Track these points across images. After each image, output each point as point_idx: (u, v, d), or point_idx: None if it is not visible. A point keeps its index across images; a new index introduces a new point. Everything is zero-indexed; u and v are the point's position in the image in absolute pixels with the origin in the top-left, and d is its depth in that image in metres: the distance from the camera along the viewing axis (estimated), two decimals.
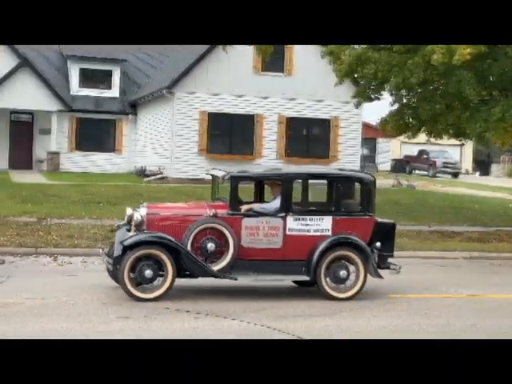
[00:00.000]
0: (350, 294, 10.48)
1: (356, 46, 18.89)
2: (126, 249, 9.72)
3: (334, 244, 10.42)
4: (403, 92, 19.92)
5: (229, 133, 29.91)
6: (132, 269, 9.72)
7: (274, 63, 28.85)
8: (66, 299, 9.85)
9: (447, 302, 10.83)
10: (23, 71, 32.71)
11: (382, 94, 21.18)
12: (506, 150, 43.74)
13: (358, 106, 23.42)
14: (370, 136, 43.96)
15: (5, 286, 10.66)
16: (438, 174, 43.68)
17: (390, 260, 10.95)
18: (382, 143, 49.75)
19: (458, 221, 20.91)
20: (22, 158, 33.84)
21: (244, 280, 10.36)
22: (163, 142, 30.74)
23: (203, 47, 28.33)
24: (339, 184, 10.88)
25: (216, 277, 10.17)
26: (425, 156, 45.53)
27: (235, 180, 10.39)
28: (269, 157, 29.89)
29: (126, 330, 8.26)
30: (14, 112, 33.81)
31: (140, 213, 10.20)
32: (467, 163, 55.78)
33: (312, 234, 10.44)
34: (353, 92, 22.19)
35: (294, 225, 10.40)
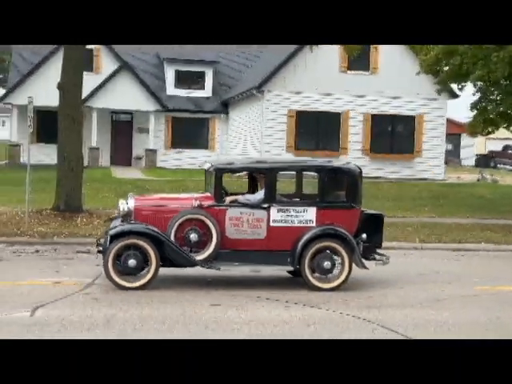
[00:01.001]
0: (334, 284, 10.19)
1: None
2: (113, 239, 9.74)
3: (317, 235, 10.16)
4: (487, 86, 19.45)
5: (315, 130, 29.80)
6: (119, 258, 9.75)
7: (359, 62, 28.61)
8: (158, 288, 9.98)
9: None
10: (123, 74, 33.50)
11: (464, 85, 20.82)
12: None
13: (439, 93, 23.32)
14: (454, 132, 43.00)
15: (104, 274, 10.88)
16: None
17: (380, 251, 10.71)
18: (466, 139, 48.52)
19: None
20: (122, 155, 34.66)
21: (226, 270, 10.19)
22: (253, 139, 30.91)
23: (291, 47, 28.35)
24: (324, 176, 10.51)
25: (198, 266, 10.11)
26: (510, 151, 44.32)
27: (219, 172, 10.30)
28: (354, 153, 29.65)
29: (220, 317, 8.32)
30: (114, 112, 34.67)
31: (127, 204, 10.22)
32: None
33: (296, 225, 10.19)
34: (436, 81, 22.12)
35: (278, 216, 10.18)
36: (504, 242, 15.69)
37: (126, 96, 32.99)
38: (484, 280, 11.29)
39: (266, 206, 10.10)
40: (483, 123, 20.44)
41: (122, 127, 35.20)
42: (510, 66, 16.98)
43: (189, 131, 34.93)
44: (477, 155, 47.68)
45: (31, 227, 14.76)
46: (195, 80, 36.00)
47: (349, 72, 29.48)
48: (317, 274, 10.18)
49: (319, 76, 28.97)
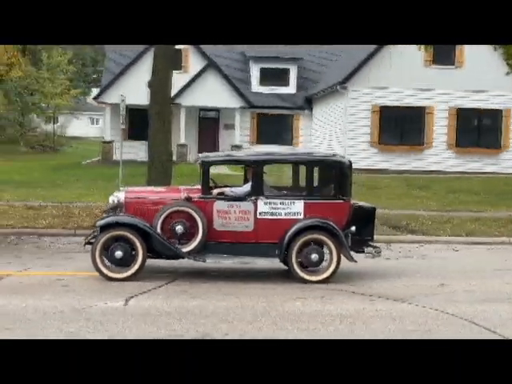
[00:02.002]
0: (322, 277, 9.96)
1: None
2: (100, 230, 9.78)
3: (305, 227, 9.93)
4: None
5: (399, 125, 29.33)
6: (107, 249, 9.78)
7: (444, 56, 28.03)
8: (245, 281, 10.05)
9: None
10: (210, 72, 33.90)
11: None
12: None
13: None
14: None
15: (195, 266, 11.05)
16: None
17: (373, 244, 10.47)
18: None
19: None
20: (208, 151, 34.71)
21: (213, 262, 10.12)
22: (337, 134, 30.72)
23: None
24: (311, 168, 10.26)
25: (185, 258, 10.04)
26: None
27: (206, 164, 10.21)
28: (439, 147, 29.07)
29: (305, 309, 8.31)
30: (201, 109, 35.13)
31: (117, 197, 10.25)
32: None
33: (283, 217, 10.00)
34: None
35: (265, 208, 10.00)
36: None
37: (213, 94, 33.38)
38: None
39: (252, 198, 10.00)
40: None
41: (209, 124, 35.63)
42: None
43: (273, 127, 35.03)
44: None
45: None
46: (279, 77, 36.05)
47: (433, 66, 28.85)
48: (304, 267, 10.01)
49: (403, 71, 28.48)
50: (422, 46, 21.72)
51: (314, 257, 9.90)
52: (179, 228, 9.86)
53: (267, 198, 10.02)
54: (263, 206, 9.99)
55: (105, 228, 9.81)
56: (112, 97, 32.68)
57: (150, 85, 17.49)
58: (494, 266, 11.78)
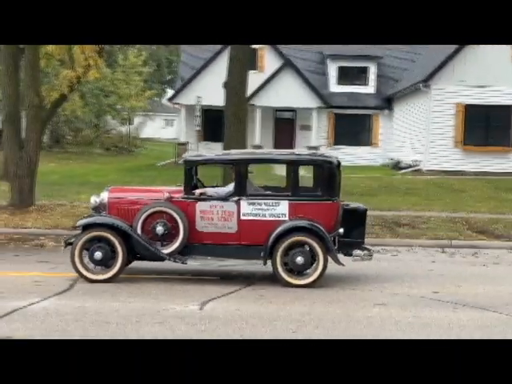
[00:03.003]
0: (307, 281, 9.71)
1: None
2: (83, 230, 9.78)
3: (289, 229, 9.68)
4: None
5: (485, 124, 28.64)
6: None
7: None
8: (324, 285, 10.02)
9: None
10: (286, 71, 33.99)
11: None
12: None
13: None
14: None
15: (270, 271, 11.09)
16: None
17: (367, 247, 10.21)
18: None
19: None
20: None
21: (194, 264, 9.97)
22: (418, 134, 30.26)
23: None
24: (296, 168, 10.01)
25: (165, 260, 9.93)
26: None
27: (188, 164, 10.12)
28: None
29: (384, 316, 8.23)
30: (277, 110, 35.24)
31: (100, 197, 10.24)
32: None
33: (267, 218, 9.80)
34: None
35: (249, 209, 9.83)
36: None
37: (289, 93, 33.45)
38: None
39: (235, 198, 9.89)
40: None
41: (285, 125, 35.71)
42: None
43: (351, 128, 34.84)
44: None
45: None
46: (358, 76, 35.83)
47: None
48: (290, 270, 9.81)
49: (489, 68, 27.81)
50: None
51: (300, 260, 9.72)
52: (159, 229, 9.89)
53: (250, 198, 9.93)
54: (246, 206, 9.90)
55: (85, 228, 9.92)
56: (187, 98, 33.21)
57: (226, 85, 17.69)
58: None
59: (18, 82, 17.29)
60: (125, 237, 9.83)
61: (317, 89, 34.23)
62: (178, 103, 35.68)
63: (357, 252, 10.10)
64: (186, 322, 7.73)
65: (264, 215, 9.88)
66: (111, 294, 9.13)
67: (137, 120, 56.06)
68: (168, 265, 10.27)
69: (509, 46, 26.83)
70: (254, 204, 9.89)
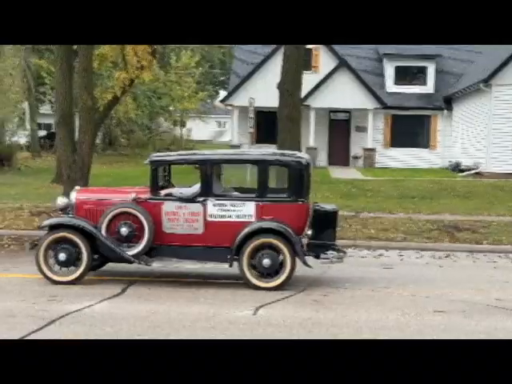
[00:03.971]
0: (275, 283, 9.59)
1: None
2: (48, 231, 9.79)
3: (255, 230, 9.56)
4: None
5: None
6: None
7: None
8: (383, 291, 9.93)
9: None
10: (341, 71, 33.83)
11: None
12: None
13: None
14: None
15: (326, 275, 11.05)
16: None
17: (341, 249, 10.11)
18: None
19: None
20: (339, 154, 34.99)
21: (158, 266, 9.94)
22: (478, 136, 29.75)
23: None
24: (263, 168, 9.86)
25: (130, 262, 9.85)
26: None
27: (154, 164, 10.09)
28: None
29: (446, 324, 8.09)
30: (332, 111, 35.08)
31: (63, 199, 10.26)
32: None
33: (234, 219, 9.70)
34: None
35: (215, 210, 9.75)
36: None
37: (344, 94, 33.28)
38: None
39: (201, 199, 9.83)
40: None
41: (340, 126, 35.53)
42: None
43: (409, 129, 34.46)
44: None
45: None
46: (416, 75, 35.42)
47: None
48: (257, 272, 9.71)
49: None
50: None
51: (267, 262, 9.66)
52: (124, 230, 9.90)
53: (217, 199, 9.89)
54: (212, 207, 9.87)
55: (49, 229, 10.00)
56: (240, 99, 33.32)
57: (280, 86, 17.67)
58: None
59: (71, 84, 17.60)
60: (90, 238, 9.92)
61: (373, 89, 33.96)
62: (230, 105, 35.83)
63: (326, 254, 10.10)
64: (240, 327, 7.73)
65: (230, 216, 9.88)
66: (162, 297, 9.21)
67: (189, 122, 56.38)
68: (215, 269, 10.27)
69: None
70: (220, 205, 9.90)
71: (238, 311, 8.49)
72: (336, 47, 34.03)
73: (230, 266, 9.83)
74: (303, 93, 19.76)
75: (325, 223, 10.26)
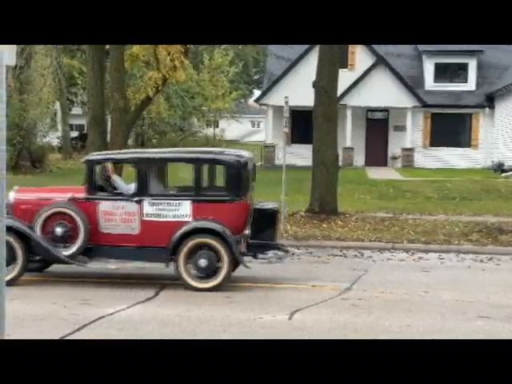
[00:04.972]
0: (212, 284, 9.59)
1: None
2: None
3: (191, 230, 9.56)
4: None
5: None
6: None
7: None
8: (422, 295, 9.86)
9: None
10: (378, 69, 33.63)
11: None
12: None
13: None
14: None
15: (363, 279, 11.01)
16: None
17: (284, 248, 10.14)
18: None
19: None
20: (376, 154, 34.78)
21: (93, 267, 9.94)
22: None
23: None
24: (199, 167, 9.91)
25: (65, 263, 9.83)
26: None
27: (90, 163, 10.09)
28: None
29: (487, 329, 8.01)
30: (369, 110, 34.90)
31: (8, 197, 10.05)
32: None
33: (170, 219, 9.68)
34: None
35: (151, 210, 9.74)
36: None
37: (382, 92, 33.06)
38: None
39: (137, 199, 9.81)
40: None
41: (377, 125, 35.32)
42: None
43: (449, 128, 34.11)
44: None
45: (286, 229, 15.33)
46: (457, 72, 35.07)
47: None
48: (194, 273, 9.69)
49: None
50: None
51: (203, 262, 9.66)
52: (58, 230, 9.94)
53: (153, 198, 9.89)
54: (148, 207, 9.89)
55: None
56: (274, 99, 33.29)
57: (316, 85, 17.64)
58: None
59: (103, 84, 17.77)
60: (25, 239, 9.98)
61: (412, 87, 33.70)
62: (265, 104, 35.84)
63: (267, 254, 10.15)
64: (275, 332, 7.73)
65: (167, 216, 9.90)
66: (195, 302, 9.25)
67: (223, 122, 56.50)
68: (247, 272, 10.29)
69: None
70: (156, 204, 9.93)
71: (272, 316, 8.48)
72: (374, 45, 33.82)
73: (167, 266, 9.89)
74: (339, 91, 19.70)
75: (265, 222, 10.36)
